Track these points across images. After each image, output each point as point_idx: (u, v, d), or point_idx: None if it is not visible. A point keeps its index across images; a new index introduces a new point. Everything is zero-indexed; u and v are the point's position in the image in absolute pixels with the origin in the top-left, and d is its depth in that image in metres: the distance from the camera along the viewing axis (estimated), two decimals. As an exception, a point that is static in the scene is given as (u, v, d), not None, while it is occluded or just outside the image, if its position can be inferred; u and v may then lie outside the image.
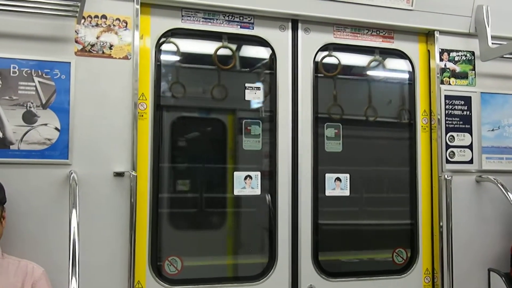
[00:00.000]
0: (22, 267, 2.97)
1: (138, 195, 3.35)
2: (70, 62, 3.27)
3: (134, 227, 3.30)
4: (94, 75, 3.32)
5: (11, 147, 3.14)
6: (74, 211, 2.82)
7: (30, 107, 3.18)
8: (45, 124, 3.21)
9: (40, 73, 3.21)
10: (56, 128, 3.22)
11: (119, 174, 3.31)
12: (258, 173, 3.76)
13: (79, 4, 3.10)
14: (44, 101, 3.21)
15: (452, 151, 4.09)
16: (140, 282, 3.39)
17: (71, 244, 2.69)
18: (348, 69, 4.28)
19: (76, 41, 3.30)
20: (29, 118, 3.18)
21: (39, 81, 3.20)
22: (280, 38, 3.83)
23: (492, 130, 4.23)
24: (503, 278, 3.99)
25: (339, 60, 4.07)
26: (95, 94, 3.32)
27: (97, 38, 3.34)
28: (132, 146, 3.36)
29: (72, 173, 3.13)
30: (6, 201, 2.98)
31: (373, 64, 4.20)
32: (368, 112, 4.19)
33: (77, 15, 3.18)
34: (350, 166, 4.04)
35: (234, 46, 3.87)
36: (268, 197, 3.80)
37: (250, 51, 4.01)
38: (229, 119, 4.05)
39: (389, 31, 4.09)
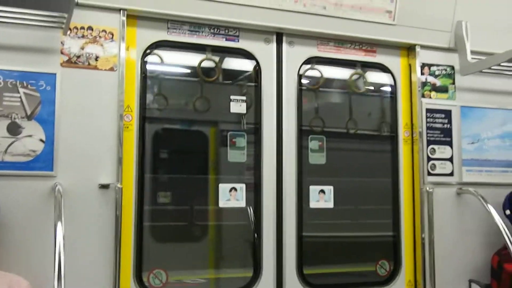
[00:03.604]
0: (7, 281, 2.90)
1: (123, 207, 3.33)
2: (55, 74, 3.24)
3: (120, 240, 3.27)
4: (80, 86, 3.30)
5: (-5, 158, 3.11)
6: (59, 223, 2.78)
7: (14, 118, 3.15)
8: (30, 136, 3.18)
9: (25, 84, 3.18)
10: (41, 140, 3.19)
11: (104, 186, 3.29)
12: (243, 185, 3.76)
13: (65, 16, 3.09)
14: (29, 113, 3.18)
15: (433, 164, 4.14)
16: None
17: (56, 257, 2.65)
18: (332, 82, 4.34)
19: (62, 52, 3.28)
20: (14, 129, 3.15)
21: (24, 92, 3.17)
22: (265, 51, 3.86)
23: (472, 143, 4.30)
24: (484, 289, 4.05)
25: (321, 74, 4.11)
26: (81, 106, 3.29)
27: (83, 49, 3.32)
28: (117, 158, 3.34)
29: (57, 185, 3.10)
30: None
31: (356, 77, 4.25)
32: (351, 124, 4.25)
33: (63, 26, 3.17)
34: (334, 178, 4.07)
35: (218, 59, 3.90)
36: (249, 209, 3.81)
37: (235, 63, 4.04)
38: (214, 131, 4.07)
39: (371, 45, 4.15)
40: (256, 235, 3.76)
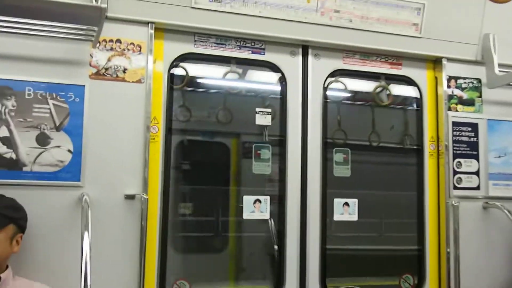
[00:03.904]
0: (33, 289, 2.96)
1: (149, 218, 3.35)
2: (84, 85, 3.29)
3: (144, 250, 3.30)
4: (108, 98, 3.34)
5: (24, 168, 3.15)
6: (86, 233, 2.80)
7: (44, 129, 3.20)
8: (58, 146, 3.22)
9: (54, 96, 3.23)
10: (69, 150, 3.24)
11: (130, 197, 3.31)
12: (267, 197, 3.77)
13: (95, 29, 3.13)
14: (57, 124, 3.23)
15: (459, 177, 4.11)
16: None
17: (83, 266, 2.67)
18: (357, 95, 4.33)
19: (91, 65, 3.33)
20: (43, 140, 3.20)
21: (53, 104, 3.23)
22: (291, 64, 3.87)
23: (499, 156, 4.25)
24: (511, 306, 4.00)
25: (345, 86, 4.10)
26: (108, 117, 3.33)
27: (111, 61, 3.37)
28: (143, 169, 3.37)
29: (84, 195, 3.13)
30: (26, 229, 3.00)
31: (381, 90, 4.24)
32: (376, 137, 4.23)
33: (92, 39, 3.22)
34: (358, 191, 4.05)
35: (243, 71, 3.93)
36: (270, 221, 3.81)
37: (260, 75, 4.06)
38: (237, 142, 4.09)
39: (397, 57, 4.13)
40: (277, 247, 3.76)
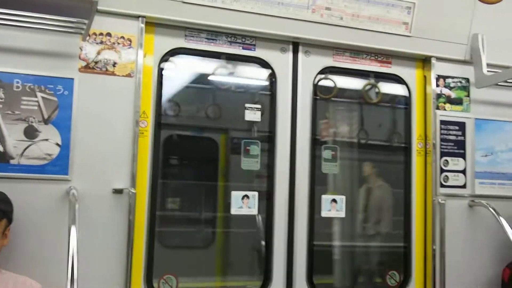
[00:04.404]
0: (20, 283, 2.93)
1: (136, 212, 3.34)
2: (73, 78, 3.26)
3: (132, 244, 3.29)
4: (97, 92, 3.32)
5: (11, 161, 3.13)
6: (73, 227, 2.80)
7: (32, 122, 3.18)
8: (46, 140, 3.20)
9: (43, 89, 3.21)
10: (57, 144, 3.21)
11: (118, 191, 3.30)
12: (256, 193, 3.76)
13: (85, 22, 3.11)
14: (46, 117, 3.20)
15: (446, 175, 4.13)
16: None
17: (69, 260, 2.67)
18: (345, 93, 4.34)
19: (80, 58, 3.30)
20: (31, 133, 3.17)
21: (42, 97, 3.20)
22: (281, 60, 3.87)
23: (486, 155, 4.28)
24: (495, 303, 4.04)
25: (334, 83, 4.11)
26: (97, 111, 3.31)
27: (101, 55, 3.35)
28: (132, 163, 3.35)
29: (72, 189, 3.12)
30: (13, 220, 2.98)
31: (370, 88, 4.25)
32: (364, 135, 4.25)
33: (82, 32, 3.19)
34: (346, 188, 4.07)
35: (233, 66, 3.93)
36: (258, 217, 3.81)
37: (250, 71, 4.06)
38: (225, 138, 4.09)
39: (387, 56, 4.15)
40: (264, 243, 3.77)
